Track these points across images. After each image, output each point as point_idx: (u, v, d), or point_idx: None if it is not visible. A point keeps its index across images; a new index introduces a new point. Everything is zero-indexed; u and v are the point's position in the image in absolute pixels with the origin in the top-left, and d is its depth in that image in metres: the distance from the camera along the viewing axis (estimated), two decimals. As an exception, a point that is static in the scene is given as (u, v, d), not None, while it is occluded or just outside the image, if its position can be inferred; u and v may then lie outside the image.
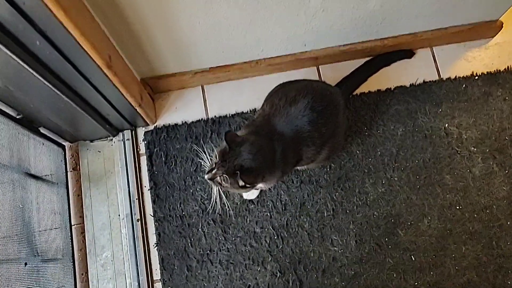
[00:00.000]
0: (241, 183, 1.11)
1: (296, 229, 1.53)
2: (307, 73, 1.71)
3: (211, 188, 1.25)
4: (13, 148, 1.31)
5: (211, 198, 1.53)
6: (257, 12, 1.31)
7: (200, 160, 1.41)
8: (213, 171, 1.14)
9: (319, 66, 1.72)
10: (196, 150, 1.57)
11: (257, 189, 1.50)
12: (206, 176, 1.17)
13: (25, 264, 1.24)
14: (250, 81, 1.70)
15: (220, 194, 1.25)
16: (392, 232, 1.54)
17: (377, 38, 1.63)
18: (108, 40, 1.23)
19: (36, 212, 1.36)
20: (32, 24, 0.95)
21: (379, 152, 1.61)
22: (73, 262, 1.50)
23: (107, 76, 1.23)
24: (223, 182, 1.13)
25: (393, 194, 1.57)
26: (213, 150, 1.57)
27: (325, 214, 1.55)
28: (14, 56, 1.00)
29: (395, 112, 1.66)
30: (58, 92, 1.20)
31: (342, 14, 1.42)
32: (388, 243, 1.53)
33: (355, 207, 1.56)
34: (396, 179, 1.58)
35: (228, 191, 1.39)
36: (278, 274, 1.50)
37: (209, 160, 1.25)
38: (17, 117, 1.31)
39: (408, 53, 1.72)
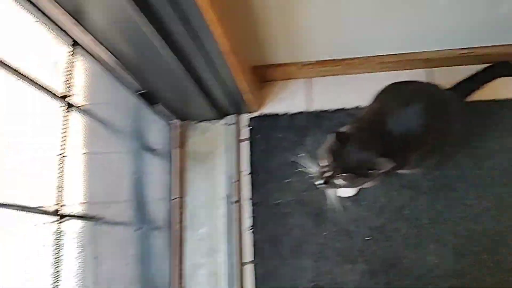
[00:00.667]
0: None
1: (392, 233, 1.50)
2: (416, 75, 1.65)
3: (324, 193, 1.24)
4: (135, 121, 1.40)
5: (307, 190, 1.56)
6: (380, 7, 1.29)
7: (301, 169, 1.39)
8: (327, 174, 1.13)
9: (430, 69, 1.66)
10: (295, 161, 1.56)
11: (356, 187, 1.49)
12: (319, 182, 1.14)
13: (137, 229, 1.33)
14: (357, 78, 1.68)
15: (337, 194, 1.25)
16: (495, 250, 1.46)
17: (501, 44, 1.53)
18: (230, 28, 1.27)
19: (148, 183, 1.45)
20: (175, 6, 1.00)
21: (488, 165, 1.53)
22: (171, 233, 1.58)
23: (227, 62, 1.28)
24: (343, 181, 1.12)
25: (500, 211, 1.48)
26: (314, 144, 1.59)
27: (424, 222, 1.50)
28: (153, 33, 1.05)
29: (509, 125, 1.56)
30: (183, 73, 1.26)
31: (469, 16, 1.36)
32: (489, 260, 1.45)
33: (457, 218, 1.49)
34: (505, 195, 1.49)
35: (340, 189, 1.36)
36: (368, 275, 1.48)
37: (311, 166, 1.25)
38: (141, 92, 1.40)
39: None
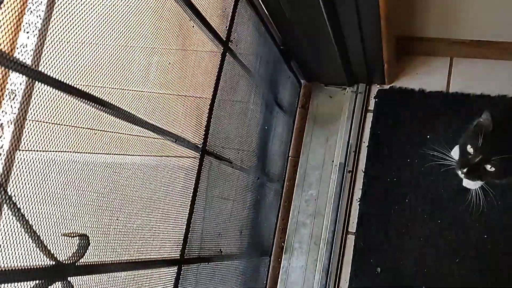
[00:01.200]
0: None
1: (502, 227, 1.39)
2: None
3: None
4: (273, 74, 1.44)
5: (427, 173, 1.49)
6: None
7: (437, 156, 1.31)
8: (474, 160, 1.04)
9: None
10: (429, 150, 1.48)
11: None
12: (464, 171, 1.05)
13: (258, 178, 1.40)
14: (509, 65, 1.52)
15: (484, 191, 1.17)
16: None
17: None
18: None
19: (273, 137, 1.50)
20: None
21: None
22: (282, 189, 1.64)
23: (380, 27, 1.23)
24: (493, 169, 1.03)
25: None
26: (446, 130, 1.50)
27: (556, 234, 1.36)
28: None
29: None
30: (329, 30, 1.24)
31: None
32: None
33: None
34: None
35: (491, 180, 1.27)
36: (478, 273, 1.41)
37: (449, 154, 1.17)
38: (281, 47, 1.43)
39: None
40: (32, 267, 0.58)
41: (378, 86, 1.64)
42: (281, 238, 1.62)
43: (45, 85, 0.58)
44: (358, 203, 1.57)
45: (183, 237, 0.96)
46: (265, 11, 1.23)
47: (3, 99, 0.57)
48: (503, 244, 1.40)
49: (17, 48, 0.55)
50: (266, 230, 1.55)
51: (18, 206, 0.54)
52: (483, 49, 1.49)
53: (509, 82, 1.50)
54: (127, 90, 0.76)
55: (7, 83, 0.55)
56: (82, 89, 0.64)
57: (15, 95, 0.56)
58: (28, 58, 0.56)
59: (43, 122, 0.59)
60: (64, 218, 0.64)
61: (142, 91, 0.81)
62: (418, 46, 1.56)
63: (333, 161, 1.62)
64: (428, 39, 1.52)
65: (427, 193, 1.50)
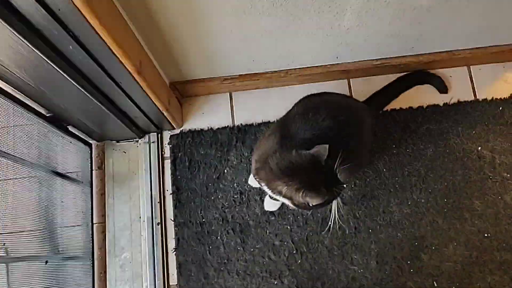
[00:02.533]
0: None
1: (316, 245, 1.51)
2: (338, 86, 1.68)
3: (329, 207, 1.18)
4: (42, 146, 1.33)
5: (232, 206, 1.53)
6: (289, 24, 1.29)
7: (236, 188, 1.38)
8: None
9: (350, 80, 1.69)
10: (228, 183, 1.55)
11: (278, 201, 1.48)
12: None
13: (46, 262, 1.25)
14: (279, 91, 1.68)
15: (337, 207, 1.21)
16: (416, 256, 1.49)
17: (412, 54, 1.58)
18: (139, 46, 1.23)
19: (60, 210, 1.38)
20: (66, 30, 0.95)
21: (406, 172, 1.56)
22: (93, 261, 1.51)
23: (136, 81, 1.23)
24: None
25: (418, 216, 1.52)
26: (238, 159, 1.57)
27: (347, 232, 1.51)
28: (47, 60, 1.00)
29: (426, 132, 1.61)
30: (88, 95, 1.20)
31: (377, 30, 1.38)
32: (411, 266, 1.48)
33: (378, 226, 1.52)
34: (423, 201, 1.54)
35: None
36: (295, 289, 1.48)
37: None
38: (47, 115, 1.33)
39: (443, 88, 1.65)
40: None
41: (170, 132, 1.65)
42: (104, 314, 1.48)
43: None
44: (174, 253, 1.53)
45: None
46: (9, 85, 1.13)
47: None
48: (311, 257, 1.50)
49: None
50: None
51: None
52: (252, 81, 1.61)
53: (281, 105, 1.64)
54: None
55: None
56: None
57: None
58: None
59: None
60: None
61: None
62: (195, 88, 1.62)
63: (140, 217, 1.56)
64: (201, 80, 1.59)
65: (235, 225, 1.53)
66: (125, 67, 1.13)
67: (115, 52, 1.07)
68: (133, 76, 1.19)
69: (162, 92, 1.43)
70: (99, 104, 1.27)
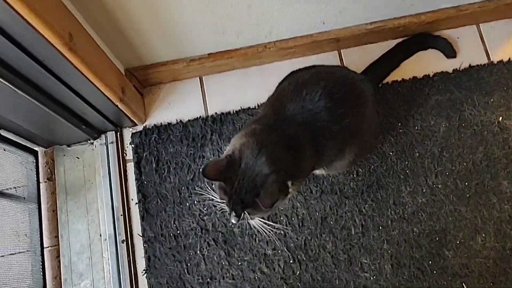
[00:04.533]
0: (267, 203, 0.85)
1: (317, 251, 1.24)
2: (327, 59, 1.41)
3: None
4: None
5: (211, 212, 1.26)
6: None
7: (210, 198, 1.13)
8: (235, 213, 0.90)
9: (341, 50, 1.43)
10: (199, 190, 1.28)
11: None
12: (233, 221, 0.92)
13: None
14: (258, 70, 1.41)
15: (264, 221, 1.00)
16: (438, 253, 1.23)
17: (412, 13, 1.32)
18: (70, 16, 0.95)
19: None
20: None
21: (417, 153, 1.31)
22: (45, 293, 1.23)
23: (69, 61, 0.96)
24: (251, 216, 0.92)
25: (436, 206, 1.26)
26: (215, 154, 1.31)
27: (353, 232, 1.25)
28: None
29: (435, 104, 1.35)
30: (6, 83, 0.93)
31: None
32: (433, 267, 1.22)
33: (389, 222, 1.25)
34: (440, 186, 1.28)
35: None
36: (295, 306, 1.21)
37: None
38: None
39: (450, 52, 1.40)
40: None
41: (131, 129, 1.37)
42: None
43: None
44: (145, 275, 1.25)
45: None
46: None
47: None
48: (312, 265, 1.23)
49: None
50: None
51: None
52: (225, 61, 1.34)
53: (262, 87, 1.37)
54: None
55: None
56: None
57: None
58: None
59: None
60: None
61: None
62: (157, 74, 1.35)
63: (101, 236, 1.28)
64: (163, 63, 1.31)
65: (217, 234, 1.26)
66: (46, 38, 0.86)
67: (23, 15, 0.79)
68: (61, 53, 0.91)
69: (112, 79, 1.16)
70: (26, 95, 0.99)
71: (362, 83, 1.09)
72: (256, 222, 1.00)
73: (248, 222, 0.99)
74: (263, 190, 0.86)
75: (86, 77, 1.04)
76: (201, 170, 0.88)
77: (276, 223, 1.26)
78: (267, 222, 1.03)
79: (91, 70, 1.03)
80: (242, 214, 0.91)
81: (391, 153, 1.31)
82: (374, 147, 1.29)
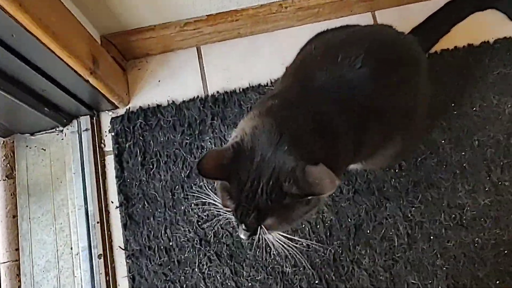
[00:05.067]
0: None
1: (350, 268, 0.96)
2: (357, 22, 1.11)
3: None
4: None
5: (212, 218, 0.98)
6: None
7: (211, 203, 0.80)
8: (245, 226, 0.64)
9: (375, 12, 1.14)
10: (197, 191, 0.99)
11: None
12: (243, 237, 0.66)
13: None
14: (270, 38, 1.13)
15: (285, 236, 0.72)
16: (507, 271, 0.95)
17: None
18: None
19: None
20: None
21: (477, 142, 1.02)
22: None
23: (18, 21, 0.69)
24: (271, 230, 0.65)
25: (504, 208, 0.98)
26: (216, 143, 1.03)
27: (396, 243, 0.97)
28: None
29: (498, 79, 1.07)
30: None
31: None
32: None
33: (443, 230, 0.97)
34: (507, 183, 1.00)
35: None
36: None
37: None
38: None
39: None
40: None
41: (110, 113, 1.09)
42: None
43: None
44: (129, 300, 0.97)
45: None
46: None
47: None
48: (341, 285, 0.95)
49: None
50: None
51: None
52: (228, 25, 1.06)
53: (275, 59, 1.09)
54: None
55: None
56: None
57: None
58: None
59: None
60: None
61: None
62: (143, 43, 1.06)
63: (71, 249, 1.00)
64: (149, 28, 1.03)
65: (221, 247, 0.98)
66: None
67: None
68: (3, 8, 0.63)
69: (80, 45, 0.88)
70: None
71: (415, 46, 0.80)
72: (275, 237, 0.72)
73: (263, 238, 0.70)
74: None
75: (42, 42, 0.76)
76: (195, 164, 0.59)
77: (296, 232, 0.98)
78: (288, 236, 0.74)
79: (47, 33, 0.76)
80: (258, 228, 0.63)
81: (443, 142, 1.02)
82: (424, 134, 1.00)
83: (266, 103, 0.68)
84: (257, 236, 0.65)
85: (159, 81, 1.11)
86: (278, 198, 0.61)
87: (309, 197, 0.61)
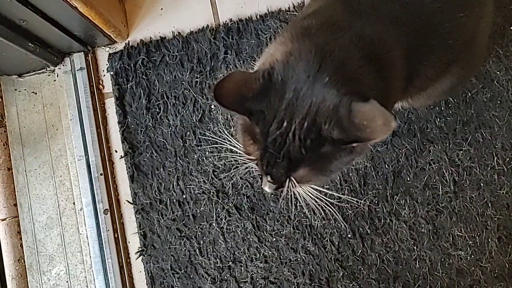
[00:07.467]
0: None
1: (387, 220, 0.85)
2: None
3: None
4: None
5: (230, 167, 0.86)
6: None
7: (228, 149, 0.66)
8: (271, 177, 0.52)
9: None
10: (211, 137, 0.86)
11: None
12: (268, 190, 0.54)
13: None
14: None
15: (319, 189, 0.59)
16: None
17: None
18: None
19: None
20: None
21: (539, 72, 0.86)
22: (4, 285, 0.88)
23: None
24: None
25: None
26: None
27: (440, 192, 0.85)
28: None
29: None
30: None
31: None
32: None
33: (495, 176, 0.85)
34: None
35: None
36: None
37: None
38: None
39: None
40: None
41: (108, 49, 0.94)
42: None
43: None
44: (139, 258, 0.88)
45: None
46: None
47: None
48: (378, 239, 0.84)
49: None
50: None
51: None
52: None
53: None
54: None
55: None
56: None
57: None
58: None
59: None
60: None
61: None
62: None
63: (74, 203, 0.90)
64: None
65: (241, 199, 0.87)
66: None
67: None
68: None
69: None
70: None
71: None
72: (306, 191, 0.60)
73: (292, 191, 0.58)
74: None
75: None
76: (213, 86, 0.46)
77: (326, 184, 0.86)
78: (322, 190, 0.62)
79: None
80: (287, 181, 0.51)
81: (498, 73, 0.87)
82: (482, 63, 0.84)
83: (301, 23, 0.53)
84: (285, 189, 0.53)
85: (161, 9, 0.95)
86: (315, 144, 0.48)
87: (354, 144, 0.48)
